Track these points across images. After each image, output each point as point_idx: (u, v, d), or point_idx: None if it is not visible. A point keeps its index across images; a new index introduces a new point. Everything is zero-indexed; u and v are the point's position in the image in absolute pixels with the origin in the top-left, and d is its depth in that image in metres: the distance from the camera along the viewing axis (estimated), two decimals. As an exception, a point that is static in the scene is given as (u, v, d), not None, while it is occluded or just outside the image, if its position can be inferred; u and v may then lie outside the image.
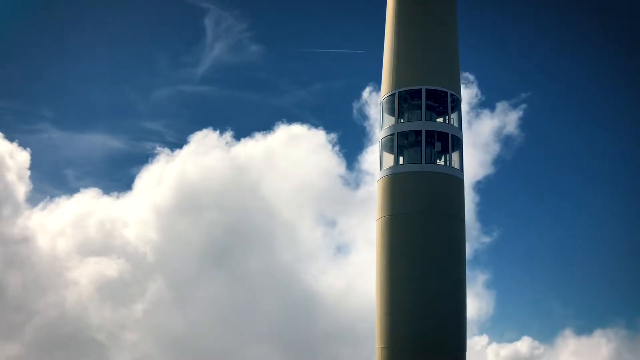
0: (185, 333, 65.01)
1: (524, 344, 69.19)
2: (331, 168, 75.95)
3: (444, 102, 40.00)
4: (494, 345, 70.67)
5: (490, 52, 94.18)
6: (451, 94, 39.90)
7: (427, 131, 39.10)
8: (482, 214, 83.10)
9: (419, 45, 40.48)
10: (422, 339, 36.46)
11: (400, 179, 38.88)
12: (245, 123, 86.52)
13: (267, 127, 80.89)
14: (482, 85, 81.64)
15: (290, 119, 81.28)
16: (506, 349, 69.58)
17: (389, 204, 38.73)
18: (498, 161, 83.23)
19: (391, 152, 39.86)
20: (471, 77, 75.93)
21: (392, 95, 40.06)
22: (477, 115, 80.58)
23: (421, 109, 39.29)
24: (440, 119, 40.39)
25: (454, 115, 40.37)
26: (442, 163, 39.62)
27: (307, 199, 75.24)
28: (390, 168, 39.40)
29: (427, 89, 39.45)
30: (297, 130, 77.98)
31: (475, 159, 76.68)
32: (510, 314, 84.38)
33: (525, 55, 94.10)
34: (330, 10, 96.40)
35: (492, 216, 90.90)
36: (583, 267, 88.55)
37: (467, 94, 75.92)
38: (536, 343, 69.72)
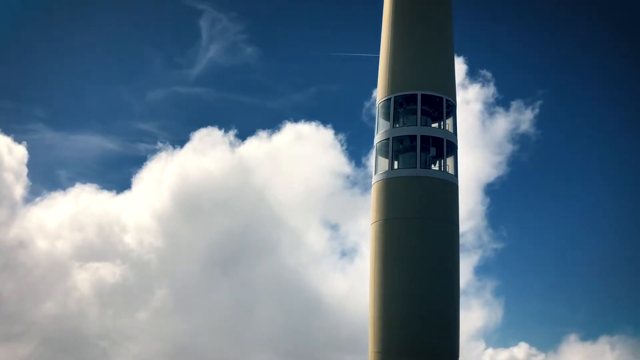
0: (188, 340, 65.04)
1: (521, 350, 68.59)
2: (338, 171, 75.50)
3: (439, 108, 40.19)
4: (490, 351, 70.11)
5: (507, 48, 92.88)
6: (446, 100, 40.10)
7: (422, 136, 39.24)
8: (494, 218, 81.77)
9: (415, 50, 40.70)
10: (415, 344, 36.43)
11: (395, 184, 39.01)
12: (239, 125, 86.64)
13: (263, 128, 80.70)
14: (500, 83, 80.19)
15: (286, 122, 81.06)
16: (502, 355, 69.06)
17: (383, 208, 38.87)
18: (512, 162, 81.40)
19: (386, 156, 40.03)
20: (488, 75, 75.31)
21: (388, 100, 40.28)
22: (492, 114, 79.30)
23: (416, 114, 39.47)
24: (435, 124, 40.58)
25: (449, 121, 40.55)
26: (437, 168, 39.71)
27: (312, 202, 75.06)
28: (384, 172, 39.56)
29: (422, 94, 39.61)
30: (301, 131, 77.78)
31: (488, 160, 75.61)
32: (517, 321, 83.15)
33: (543, 51, 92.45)
34: (326, 12, 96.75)
35: (504, 220, 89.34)
36: (597, 272, 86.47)
37: (484, 92, 75.34)
38: (533, 350, 69.09)
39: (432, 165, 39.72)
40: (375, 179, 40.00)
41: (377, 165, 40.46)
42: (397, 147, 39.86)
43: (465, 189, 71.30)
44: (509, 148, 78.68)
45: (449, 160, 39.94)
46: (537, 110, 80.00)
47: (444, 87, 40.43)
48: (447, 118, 40.39)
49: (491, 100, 76.58)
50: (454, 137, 40.34)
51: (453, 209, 39.13)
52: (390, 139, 39.86)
